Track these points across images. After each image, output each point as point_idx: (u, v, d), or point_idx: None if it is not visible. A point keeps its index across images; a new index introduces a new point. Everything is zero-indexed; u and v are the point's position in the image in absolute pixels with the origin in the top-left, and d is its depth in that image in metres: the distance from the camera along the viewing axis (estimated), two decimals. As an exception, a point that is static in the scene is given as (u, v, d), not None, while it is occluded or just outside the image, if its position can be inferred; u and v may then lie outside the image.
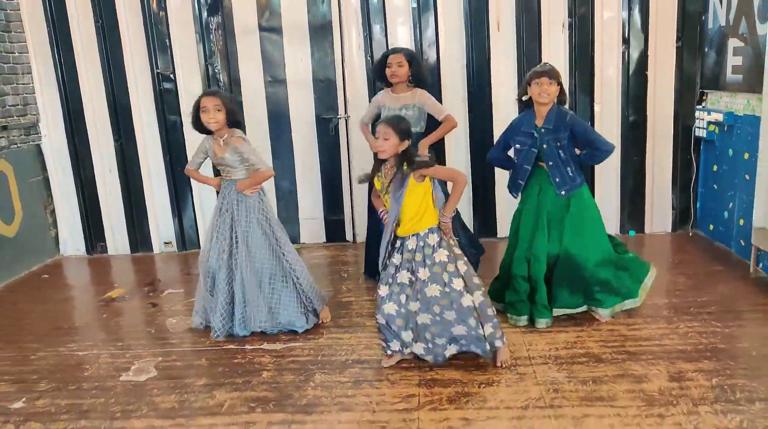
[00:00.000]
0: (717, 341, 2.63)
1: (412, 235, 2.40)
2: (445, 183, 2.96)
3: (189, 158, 4.19)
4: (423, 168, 2.34)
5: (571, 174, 2.79)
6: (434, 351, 2.44)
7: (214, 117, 2.69)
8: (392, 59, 3.21)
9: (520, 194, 2.93)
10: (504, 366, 2.48)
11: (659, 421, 2.08)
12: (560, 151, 2.74)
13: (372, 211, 3.34)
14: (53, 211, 4.38)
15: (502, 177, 4.20)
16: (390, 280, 2.43)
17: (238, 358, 2.67)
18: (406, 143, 2.36)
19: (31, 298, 3.62)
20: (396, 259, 2.43)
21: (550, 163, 2.76)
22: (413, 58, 3.26)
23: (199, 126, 2.78)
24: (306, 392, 2.36)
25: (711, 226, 4.08)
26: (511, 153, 3.00)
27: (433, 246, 2.39)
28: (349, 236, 4.42)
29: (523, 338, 2.74)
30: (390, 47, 3.92)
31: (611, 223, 4.29)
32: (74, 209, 4.38)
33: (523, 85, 2.80)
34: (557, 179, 2.78)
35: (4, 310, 3.44)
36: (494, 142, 4.10)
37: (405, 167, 2.34)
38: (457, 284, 2.39)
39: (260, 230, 2.82)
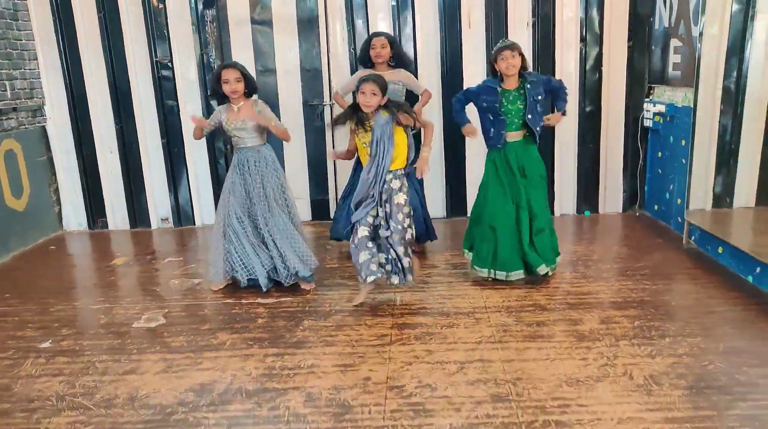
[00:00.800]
0: (644, 295, 3.12)
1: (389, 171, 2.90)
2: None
3: (185, 140, 4.62)
4: (406, 110, 2.85)
5: (541, 125, 3.22)
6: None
7: (236, 87, 3.03)
8: (376, 41, 3.68)
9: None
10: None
11: (586, 351, 2.54)
12: (538, 105, 3.16)
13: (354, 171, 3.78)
14: (57, 189, 4.70)
15: (473, 159, 4.66)
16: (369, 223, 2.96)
17: (236, 309, 3.08)
18: (386, 98, 2.85)
19: (41, 265, 3.97)
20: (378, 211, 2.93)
21: (529, 116, 3.14)
22: (394, 41, 3.78)
23: (217, 96, 3.13)
24: (296, 333, 2.78)
25: (656, 207, 4.59)
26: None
27: (395, 189, 2.91)
28: (332, 214, 4.81)
29: (482, 293, 3.19)
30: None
31: (569, 204, 4.78)
32: (77, 187, 4.71)
33: (489, 62, 3.18)
34: (537, 128, 3.17)
35: (19, 274, 3.79)
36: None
37: (391, 110, 2.83)
38: (406, 223, 2.93)
39: (281, 187, 3.21)
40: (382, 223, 2.96)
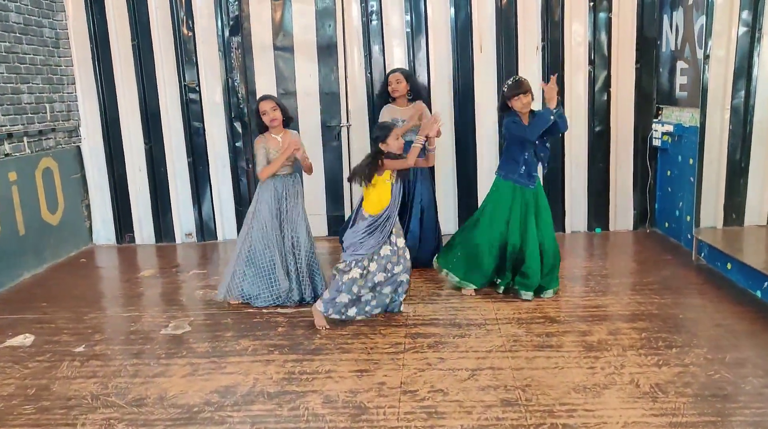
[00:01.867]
0: (653, 309, 3.20)
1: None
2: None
3: (209, 159, 4.85)
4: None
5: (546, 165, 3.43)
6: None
7: (274, 116, 3.23)
8: (392, 78, 3.92)
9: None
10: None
11: (594, 360, 2.63)
12: (547, 143, 3.33)
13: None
14: (88, 205, 4.95)
15: (483, 176, 4.79)
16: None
17: (257, 319, 3.23)
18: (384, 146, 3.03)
19: (74, 276, 4.18)
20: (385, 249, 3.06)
21: (542, 154, 3.33)
22: (409, 75, 3.99)
23: (260, 127, 3.32)
24: (314, 341, 2.91)
25: (666, 224, 4.66)
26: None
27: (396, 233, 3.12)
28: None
29: (493, 305, 3.30)
30: (387, 65, 4.61)
31: (580, 222, 4.88)
32: (107, 203, 4.96)
33: (502, 100, 3.34)
34: (546, 164, 3.37)
35: (53, 284, 4.00)
36: (476, 151, 4.76)
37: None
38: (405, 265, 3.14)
39: (304, 212, 3.40)
40: (393, 260, 3.07)
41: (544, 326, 3.01)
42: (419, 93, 4.01)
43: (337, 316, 3.05)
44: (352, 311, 3.07)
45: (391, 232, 3.05)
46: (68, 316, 3.37)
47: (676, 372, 2.50)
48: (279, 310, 3.34)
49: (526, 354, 2.71)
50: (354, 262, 2.99)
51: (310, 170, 3.39)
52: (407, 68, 4.54)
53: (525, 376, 2.50)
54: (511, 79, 3.35)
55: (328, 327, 3.04)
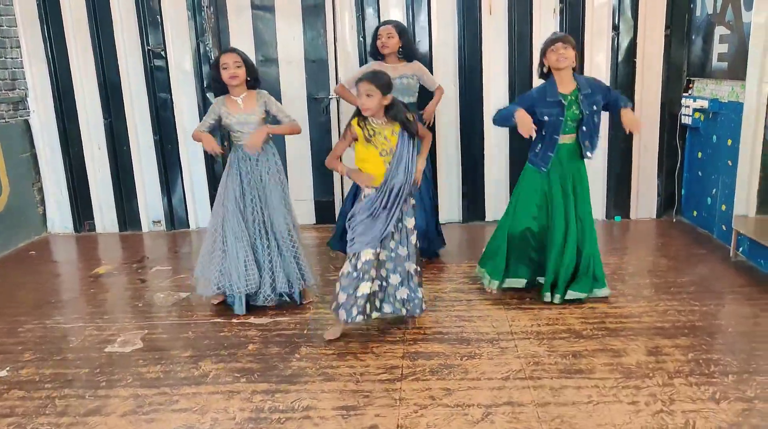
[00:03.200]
0: (695, 319, 2.70)
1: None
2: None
3: (179, 136, 4.26)
4: (407, 119, 2.46)
5: (597, 139, 2.82)
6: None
7: (236, 73, 2.71)
8: (382, 31, 3.30)
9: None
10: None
11: (635, 392, 2.13)
12: (595, 116, 2.75)
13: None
14: (41, 188, 4.36)
15: (491, 158, 4.25)
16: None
17: (225, 332, 2.70)
18: (390, 97, 2.40)
19: (19, 273, 3.62)
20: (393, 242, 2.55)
21: (584, 128, 2.75)
22: (403, 30, 3.34)
23: (217, 87, 2.80)
24: (291, 363, 2.39)
25: (695, 212, 4.15)
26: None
27: (406, 213, 2.56)
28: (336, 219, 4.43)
29: (507, 314, 2.79)
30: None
31: (597, 209, 4.32)
32: (62, 186, 4.37)
33: (540, 59, 2.79)
34: (587, 142, 2.78)
35: (-9, 283, 3.44)
36: (483, 129, 4.19)
37: (408, 123, 2.44)
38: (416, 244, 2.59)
39: (280, 189, 2.86)
40: (396, 238, 2.57)
41: (569, 343, 2.50)
42: (412, 52, 3.39)
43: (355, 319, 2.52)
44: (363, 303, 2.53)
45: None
46: (0, 328, 2.82)
47: (739, 410, 2.00)
48: (252, 319, 2.81)
49: (551, 383, 2.20)
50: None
51: (297, 129, 2.87)
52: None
53: (553, 416, 1.99)
54: (553, 32, 2.84)
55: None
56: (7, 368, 2.42)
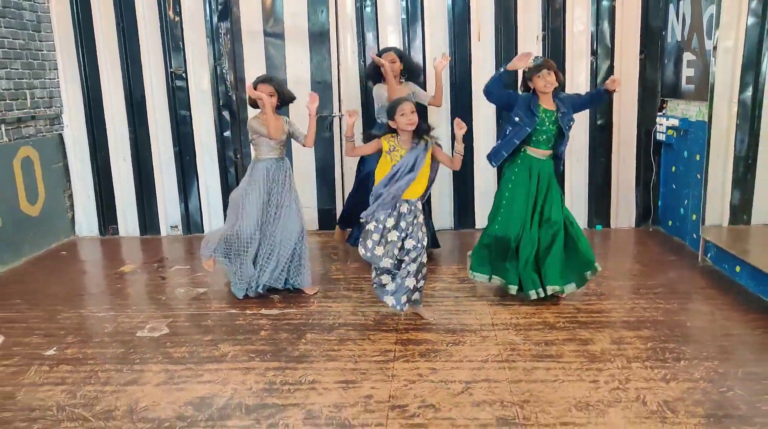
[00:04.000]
0: (658, 315, 3.03)
1: (405, 201, 2.91)
2: None
3: (196, 149, 4.66)
4: (435, 141, 2.97)
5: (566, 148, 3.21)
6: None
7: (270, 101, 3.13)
8: (386, 57, 3.68)
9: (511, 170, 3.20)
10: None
11: (597, 373, 2.47)
12: (568, 131, 3.13)
13: (361, 163, 3.88)
14: (71, 195, 4.76)
15: (480, 171, 4.62)
16: (382, 240, 2.92)
17: (240, 321, 3.06)
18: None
19: (52, 270, 4.00)
20: (389, 222, 2.92)
21: (562, 147, 3.14)
22: (403, 55, 3.77)
23: (253, 105, 3.29)
24: (298, 347, 2.75)
25: (670, 222, 4.50)
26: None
27: (420, 209, 2.97)
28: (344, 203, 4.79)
29: (490, 309, 3.14)
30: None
31: (580, 218, 4.69)
32: (90, 193, 4.76)
33: (523, 79, 3.14)
34: (560, 150, 3.16)
35: (30, 279, 3.82)
36: (473, 145, 4.56)
37: (426, 137, 2.92)
38: (423, 241, 2.94)
39: (293, 198, 3.31)
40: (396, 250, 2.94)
41: (542, 333, 2.85)
42: (413, 72, 3.82)
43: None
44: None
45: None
46: (41, 316, 3.19)
47: (685, 388, 2.34)
48: (263, 310, 3.17)
49: (524, 365, 2.55)
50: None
51: (311, 140, 3.30)
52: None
53: (523, 391, 2.34)
54: (535, 57, 3.13)
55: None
56: (54, 348, 2.79)
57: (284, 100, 3.23)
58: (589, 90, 4.46)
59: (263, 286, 3.31)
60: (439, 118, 4.43)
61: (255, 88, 3.14)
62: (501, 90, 3.17)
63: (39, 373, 2.56)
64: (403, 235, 2.92)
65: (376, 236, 2.91)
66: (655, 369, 2.49)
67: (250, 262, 3.24)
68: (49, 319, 3.14)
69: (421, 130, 2.90)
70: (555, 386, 2.37)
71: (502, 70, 3.15)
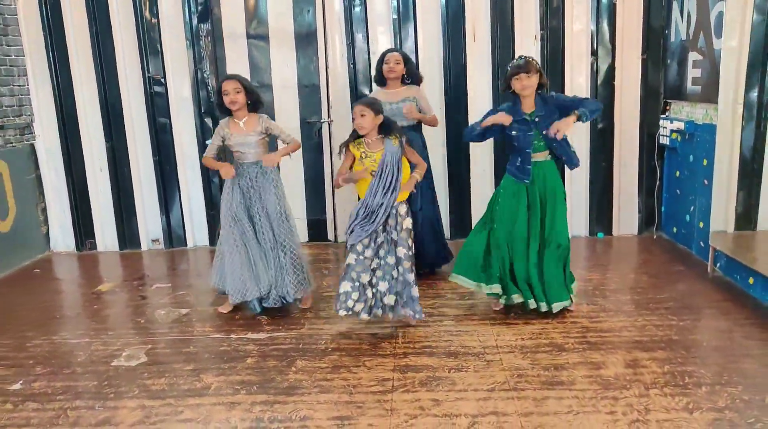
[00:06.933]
0: (672, 333, 2.85)
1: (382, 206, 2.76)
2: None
3: (177, 159, 4.41)
4: (406, 139, 2.83)
5: (573, 149, 3.00)
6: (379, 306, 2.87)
7: (235, 98, 2.97)
8: (390, 57, 3.53)
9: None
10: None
11: (613, 402, 2.27)
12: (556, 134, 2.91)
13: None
14: (45, 209, 4.49)
15: (476, 179, 4.42)
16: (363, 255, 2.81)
17: (224, 346, 2.83)
18: (381, 116, 2.76)
19: (24, 291, 3.74)
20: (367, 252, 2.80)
21: (554, 145, 2.94)
22: (408, 58, 3.62)
23: (222, 109, 3.08)
24: (288, 376, 2.52)
25: (674, 229, 4.33)
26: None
27: (403, 215, 2.82)
28: (330, 236, 4.59)
29: (492, 329, 2.94)
30: (372, 55, 4.21)
31: (581, 226, 4.53)
32: (65, 207, 4.50)
33: (504, 80, 2.97)
34: (564, 157, 2.97)
35: (0, 302, 3.56)
36: (469, 151, 4.36)
37: (396, 136, 2.78)
38: (413, 249, 2.84)
39: (279, 204, 3.11)
40: (384, 247, 2.82)
41: (551, 356, 2.65)
42: (416, 76, 3.66)
43: (343, 313, 2.82)
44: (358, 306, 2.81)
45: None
46: (9, 344, 2.94)
47: (710, 419, 2.14)
48: (250, 335, 2.94)
49: (534, 393, 2.35)
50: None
51: (297, 147, 3.16)
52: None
53: (535, 425, 2.13)
54: (517, 57, 2.96)
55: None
56: (21, 381, 2.54)
57: (253, 99, 3.06)
58: (588, 92, 4.29)
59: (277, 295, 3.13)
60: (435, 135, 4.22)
61: (220, 87, 2.99)
62: (479, 132, 3.00)
63: (2, 412, 2.31)
64: (386, 244, 2.81)
65: (354, 274, 2.80)
66: (676, 397, 2.30)
67: (250, 262, 3.05)
68: (17, 348, 2.89)
69: (387, 129, 2.79)
70: (569, 419, 2.17)
71: (478, 127, 2.97)
